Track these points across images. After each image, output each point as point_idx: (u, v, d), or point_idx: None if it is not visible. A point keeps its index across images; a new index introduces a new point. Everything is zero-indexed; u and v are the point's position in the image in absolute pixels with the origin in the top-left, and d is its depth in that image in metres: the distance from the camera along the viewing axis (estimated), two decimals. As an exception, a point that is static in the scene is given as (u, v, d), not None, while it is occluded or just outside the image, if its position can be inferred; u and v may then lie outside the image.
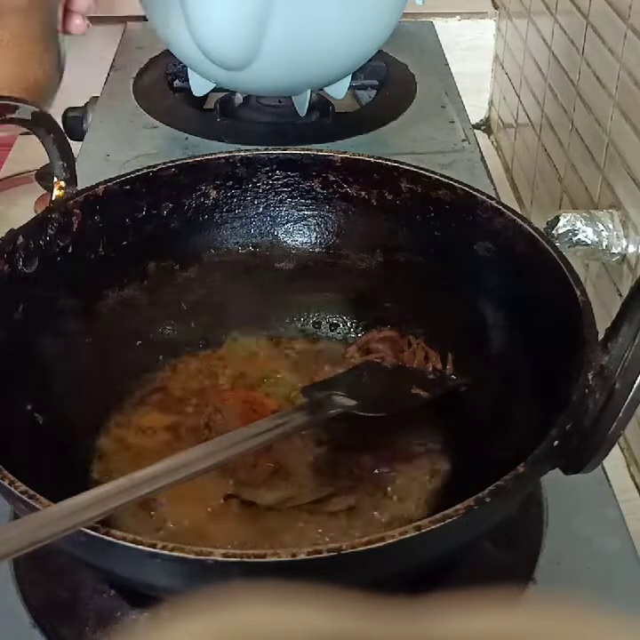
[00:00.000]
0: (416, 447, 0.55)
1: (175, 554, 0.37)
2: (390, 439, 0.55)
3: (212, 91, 0.96)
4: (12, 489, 0.39)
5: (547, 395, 0.47)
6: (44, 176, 1.03)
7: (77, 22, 0.80)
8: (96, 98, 1.02)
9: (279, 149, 0.62)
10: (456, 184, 0.58)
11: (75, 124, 0.99)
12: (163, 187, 0.60)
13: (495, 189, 0.85)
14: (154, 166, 0.60)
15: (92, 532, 0.38)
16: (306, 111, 0.93)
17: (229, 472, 0.52)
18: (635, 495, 0.74)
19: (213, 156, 0.61)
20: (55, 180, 0.59)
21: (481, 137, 1.21)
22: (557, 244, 0.57)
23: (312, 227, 0.63)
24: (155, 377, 0.60)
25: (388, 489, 0.52)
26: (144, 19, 0.93)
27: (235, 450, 0.45)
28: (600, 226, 0.78)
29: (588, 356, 0.43)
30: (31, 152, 1.15)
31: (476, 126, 1.30)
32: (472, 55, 1.27)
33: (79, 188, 0.59)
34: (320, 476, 0.53)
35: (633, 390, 0.41)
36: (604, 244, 0.78)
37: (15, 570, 0.52)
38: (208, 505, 0.51)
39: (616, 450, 0.76)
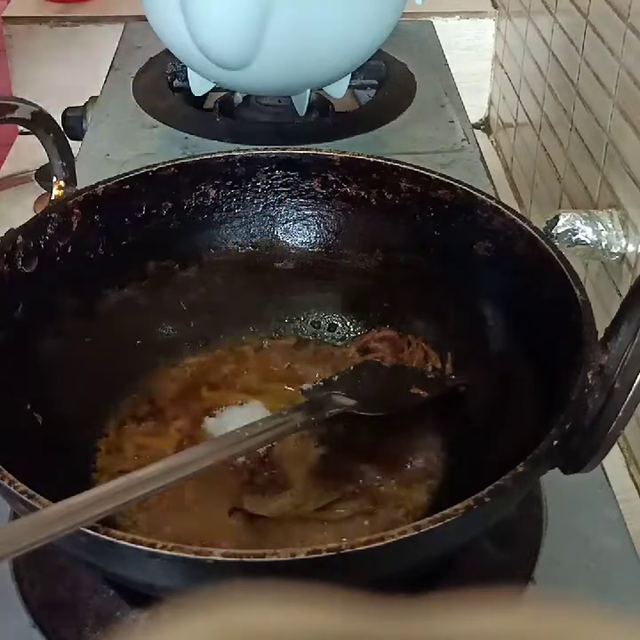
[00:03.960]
0: (415, 447, 0.55)
1: (175, 554, 0.37)
2: (390, 439, 0.55)
3: (212, 90, 0.96)
4: (12, 489, 0.39)
5: (546, 394, 0.47)
6: (43, 176, 1.03)
7: None
8: (95, 98, 1.02)
9: (278, 149, 0.62)
10: (456, 184, 0.58)
11: (74, 123, 0.99)
12: (162, 186, 0.60)
13: (494, 189, 0.85)
14: (153, 166, 0.60)
15: (92, 532, 0.38)
16: (305, 111, 0.93)
17: (232, 483, 0.52)
18: (635, 495, 0.74)
19: (213, 156, 0.61)
20: (55, 179, 0.59)
21: (480, 137, 1.21)
22: (557, 244, 0.57)
23: (311, 226, 0.63)
24: (154, 376, 0.60)
25: (389, 490, 0.52)
26: (144, 19, 0.93)
27: (235, 449, 0.45)
28: (599, 225, 0.78)
29: (587, 355, 0.43)
30: (31, 152, 1.15)
31: (476, 126, 1.30)
32: (471, 55, 1.27)
33: (79, 187, 0.59)
34: (323, 482, 0.52)
35: (632, 390, 0.41)
36: (604, 244, 0.78)
37: (15, 570, 0.52)
38: (212, 519, 0.50)
39: (616, 450, 0.76)
